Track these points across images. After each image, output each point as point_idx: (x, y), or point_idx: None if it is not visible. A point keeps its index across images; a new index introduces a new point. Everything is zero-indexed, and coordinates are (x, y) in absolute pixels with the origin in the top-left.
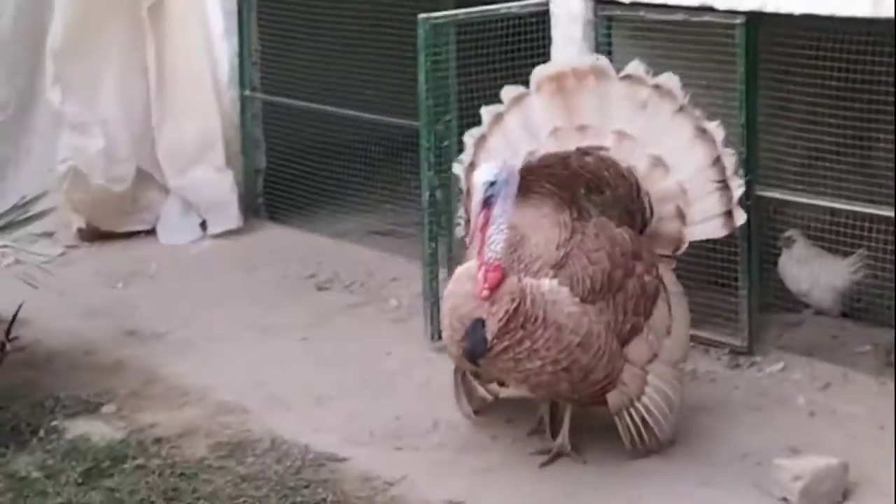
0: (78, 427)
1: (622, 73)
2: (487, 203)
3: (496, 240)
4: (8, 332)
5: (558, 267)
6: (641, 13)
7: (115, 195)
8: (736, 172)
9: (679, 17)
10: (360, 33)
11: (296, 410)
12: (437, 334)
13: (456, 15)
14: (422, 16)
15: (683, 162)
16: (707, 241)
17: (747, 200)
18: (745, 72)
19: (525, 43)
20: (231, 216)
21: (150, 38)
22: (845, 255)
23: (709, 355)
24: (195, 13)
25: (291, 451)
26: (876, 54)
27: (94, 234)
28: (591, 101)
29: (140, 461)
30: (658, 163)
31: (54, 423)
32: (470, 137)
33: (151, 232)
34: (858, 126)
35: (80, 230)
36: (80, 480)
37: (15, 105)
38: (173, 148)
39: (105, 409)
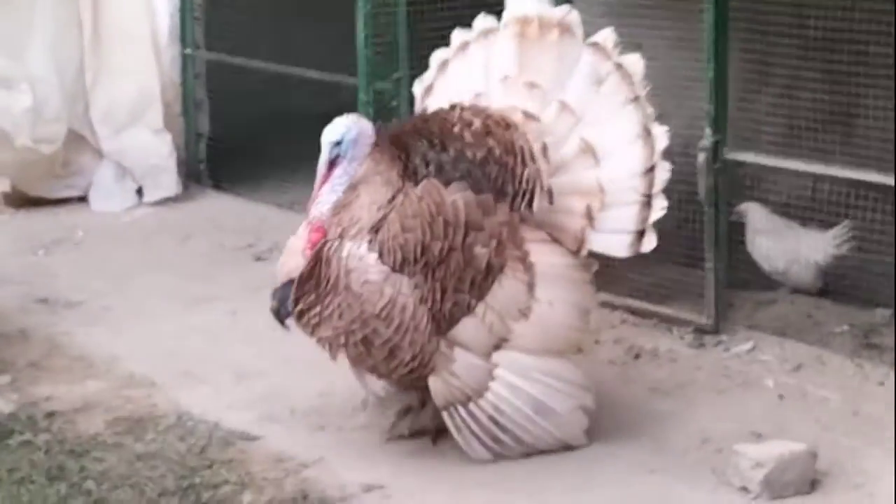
0: None
1: (590, 40)
2: (333, 163)
3: (326, 200)
4: None
5: (375, 230)
6: None
7: (43, 157)
8: (661, 191)
9: None
10: None
11: (210, 385)
12: None
13: None
14: None
15: (616, 160)
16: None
17: (714, 164)
18: (713, 21)
19: None
20: (169, 182)
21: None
22: (824, 227)
23: (671, 333)
24: None
25: (198, 429)
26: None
27: (20, 200)
28: (548, 59)
29: (27, 436)
30: (588, 150)
31: None
32: (434, 59)
33: (84, 199)
34: (842, 84)
35: (4, 195)
36: None
37: None
38: (108, 108)
39: None
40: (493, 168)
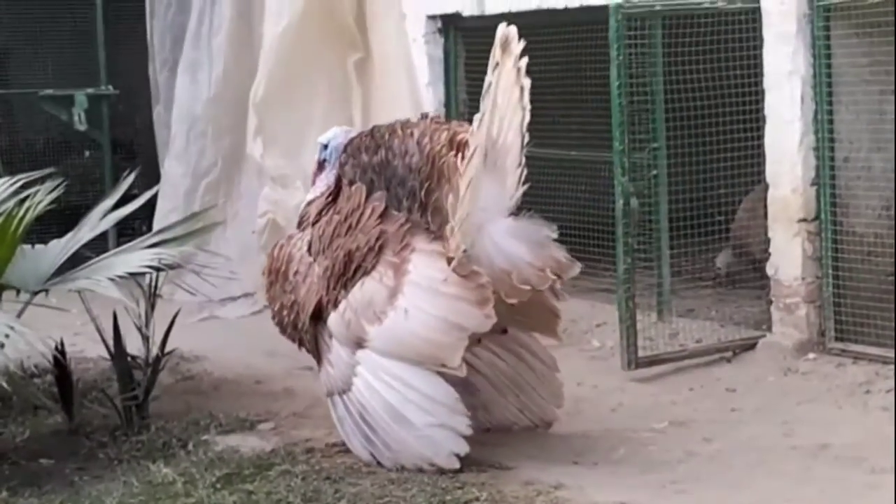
0: (230, 441)
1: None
2: (321, 164)
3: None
4: (163, 344)
5: (304, 220)
6: None
7: None
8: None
9: None
10: (562, 77)
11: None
12: (633, 362)
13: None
14: (614, 3)
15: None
16: None
17: None
18: None
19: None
20: None
21: (356, 90)
22: None
23: None
24: (402, 63)
25: None
26: None
27: None
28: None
29: (285, 467)
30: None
31: (205, 437)
32: None
33: None
34: None
35: None
36: (218, 485)
37: (221, 166)
38: None
39: (262, 426)
40: (402, 175)
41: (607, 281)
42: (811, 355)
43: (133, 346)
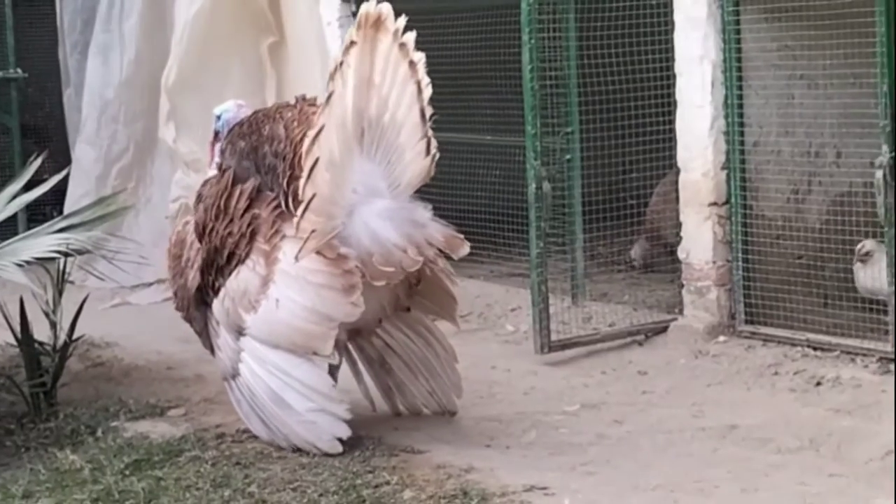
0: (139, 427)
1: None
2: (216, 135)
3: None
4: (71, 330)
5: (198, 202)
6: None
7: None
8: None
9: None
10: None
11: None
12: (546, 346)
13: None
14: None
15: None
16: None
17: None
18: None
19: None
20: None
21: (270, 74)
22: None
23: (854, 363)
24: (316, 47)
25: (363, 443)
26: None
27: None
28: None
29: (195, 453)
30: None
31: (115, 423)
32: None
33: None
34: None
35: None
36: (126, 471)
37: (134, 150)
38: None
39: (172, 412)
40: (271, 162)
41: (522, 266)
42: (722, 338)
43: (42, 332)
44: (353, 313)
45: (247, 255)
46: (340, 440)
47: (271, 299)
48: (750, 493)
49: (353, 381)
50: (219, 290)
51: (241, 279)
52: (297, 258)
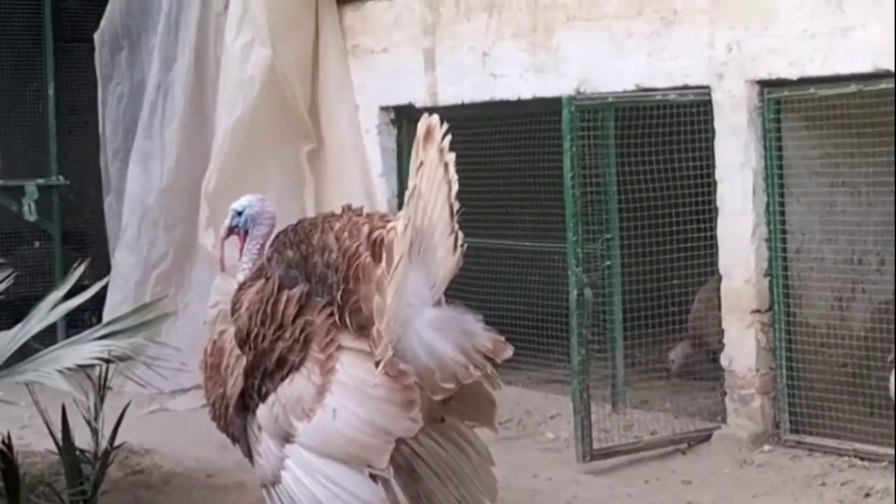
0: None
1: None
2: (231, 230)
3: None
4: (113, 437)
5: (237, 309)
6: (811, 90)
7: None
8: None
9: (852, 88)
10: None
11: None
12: (588, 454)
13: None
14: (567, 95)
15: None
16: None
17: None
18: None
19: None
20: None
21: (309, 180)
22: None
23: None
24: (355, 154)
25: None
26: None
27: None
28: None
29: None
30: None
31: None
32: None
33: None
34: None
35: None
36: None
37: (173, 256)
38: None
39: None
40: (322, 272)
41: (561, 372)
42: (766, 447)
43: (82, 439)
44: (412, 428)
45: (301, 363)
46: None
47: (328, 409)
48: None
49: None
50: (266, 395)
51: (294, 386)
52: (374, 382)
